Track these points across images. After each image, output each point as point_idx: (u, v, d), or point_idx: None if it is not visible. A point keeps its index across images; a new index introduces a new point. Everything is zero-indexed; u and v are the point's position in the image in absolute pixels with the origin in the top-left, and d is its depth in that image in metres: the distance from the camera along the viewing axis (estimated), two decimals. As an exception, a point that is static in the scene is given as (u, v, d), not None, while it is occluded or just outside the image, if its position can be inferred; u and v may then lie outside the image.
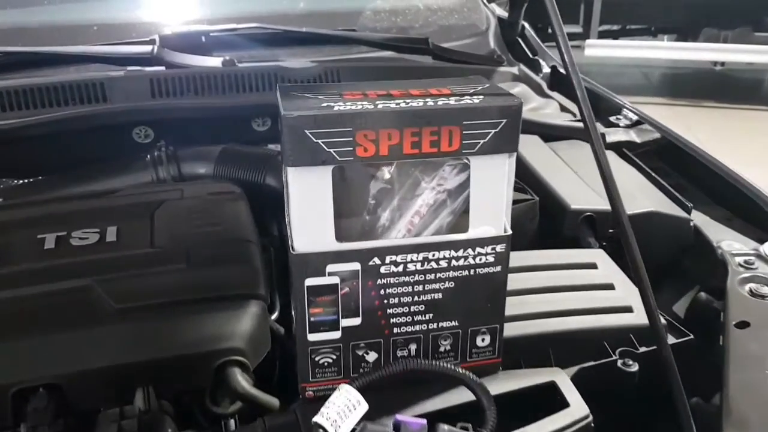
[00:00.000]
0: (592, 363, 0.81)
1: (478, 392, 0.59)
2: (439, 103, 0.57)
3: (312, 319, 0.62)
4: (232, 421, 0.78)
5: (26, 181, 1.12)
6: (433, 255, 0.62)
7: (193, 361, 0.75)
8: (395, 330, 0.64)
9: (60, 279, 0.79)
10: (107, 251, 0.85)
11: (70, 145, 1.17)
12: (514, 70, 1.62)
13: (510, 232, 0.64)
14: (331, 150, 0.55)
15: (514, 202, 1.07)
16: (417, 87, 0.61)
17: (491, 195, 0.62)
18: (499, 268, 0.64)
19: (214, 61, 1.29)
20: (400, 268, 0.62)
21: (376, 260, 0.61)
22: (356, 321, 0.63)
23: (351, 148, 0.56)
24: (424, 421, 0.53)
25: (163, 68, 1.26)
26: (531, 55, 1.69)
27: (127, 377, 0.73)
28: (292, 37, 1.40)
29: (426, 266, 0.62)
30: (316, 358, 0.64)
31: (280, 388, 0.78)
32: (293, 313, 0.62)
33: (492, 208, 0.62)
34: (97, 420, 0.71)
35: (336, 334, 0.63)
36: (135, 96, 1.22)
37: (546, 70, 1.66)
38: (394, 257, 0.61)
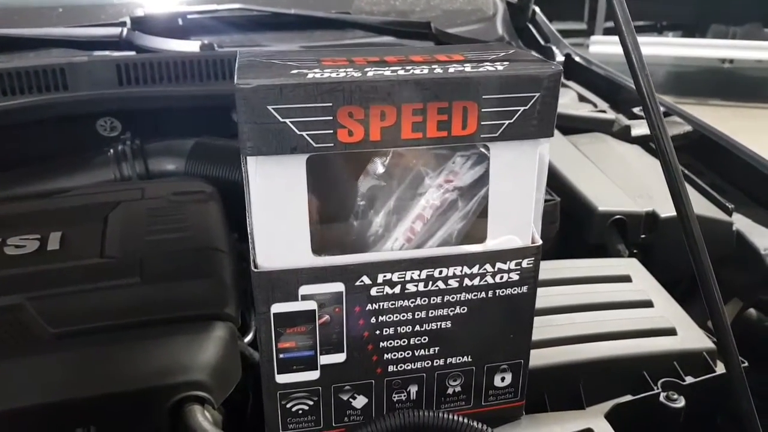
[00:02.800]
0: (629, 398, 0.67)
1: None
2: (450, 70, 0.43)
3: (281, 356, 0.47)
4: None
5: (-30, 179, 0.98)
6: (441, 272, 0.47)
7: (143, 399, 0.61)
8: (390, 368, 0.50)
9: (-16, 297, 0.65)
10: (47, 262, 0.71)
11: (26, 139, 1.03)
12: (525, 58, 1.48)
13: (540, 242, 0.49)
14: (304, 133, 0.41)
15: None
16: (420, 53, 0.47)
17: (517, 194, 0.47)
18: (525, 289, 0.50)
19: (190, 45, 1.16)
20: (397, 290, 0.47)
21: (366, 279, 0.46)
22: (340, 357, 0.48)
23: (331, 131, 0.41)
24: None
25: (133, 53, 1.12)
26: (543, 42, 1.55)
27: (62, 418, 0.60)
28: (280, 21, 1.26)
29: (431, 287, 0.48)
30: (288, 405, 0.49)
31: (255, 425, 0.64)
32: (258, 346, 0.48)
33: (518, 211, 0.48)
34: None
35: (313, 375, 0.48)
36: (100, 83, 1.07)
37: (560, 58, 1.52)
38: (388, 275, 0.46)
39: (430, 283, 0.48)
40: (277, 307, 0.46)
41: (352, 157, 0.48)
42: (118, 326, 0.65)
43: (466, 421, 0.45)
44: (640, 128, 1.20)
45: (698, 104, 4.80)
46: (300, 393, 0.49)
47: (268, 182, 0.43)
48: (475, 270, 0.48)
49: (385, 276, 0.46)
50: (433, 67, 0.43)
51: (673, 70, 5.80)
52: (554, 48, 1.54)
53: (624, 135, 1.17)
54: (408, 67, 0.43)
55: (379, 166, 0.49)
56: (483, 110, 0.43)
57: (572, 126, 1.16)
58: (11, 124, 1.00)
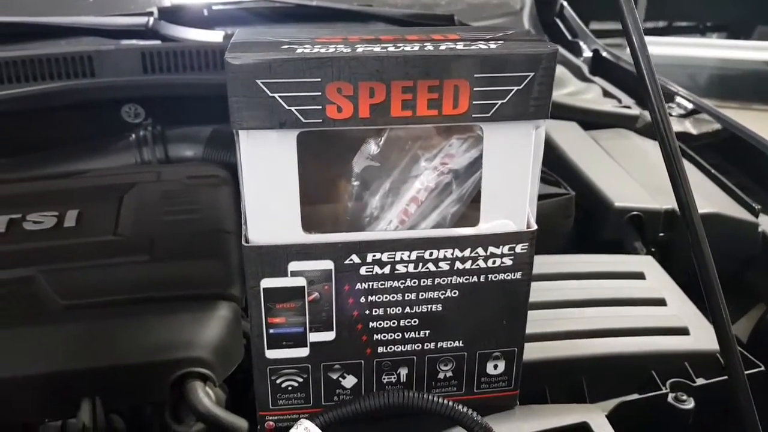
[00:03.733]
0: (636, 396, 0.65)
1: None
2: (442, 48, 0.42)
3: (271, 331, 0.48)
4: None
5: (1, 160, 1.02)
6: (431, 254, 0.47)
7: (146, 372, 0.63)
8: (380, 349, 0.50)
9: (2, 268, 0.68)
10: (62, 238, 0.73)
11: (53, 123, 1.06)
12: (552, 53, 1.46)
13: (535, 227, 0.49)
14: (293, 108, 0.41)
15: (546, 196, 0.92)
16: (419, 33, 0.47)
17: (511, 177, 0.46)
18: (519, 275, 0.49)
19: (214, 36, 1.17)
20: (387, 270, 0.47)
21: (355, 258, 0.46)
22: (329, 336, 0.48)
23: (320, 107, 0.41)
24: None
25: (158, 42, 1.14)
26: (570, 37, 1.53)
27: (69, 387, 0.62)
28: (303, 12, 1.27)
29: (421, 268, 0.47)
30: (278, 381, 0.50)
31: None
32: (249, 322, 0.48)
33: (511, 194, 0.47)
34: (39, 432, 0.60)
35: (303, 352, 0.49)
36: (125, 71, 1.10)
37: (587, 53, 1.50)
38: (378, 255, 0.46)
39: (421, 264, 0.47)
40: (267, 282, 0.46)
41: (346, 136, 0.48)
42: (125, 301, 0.67)
43: (450, 403, 0.45)
44: (666, 125, 1.17)
45: (741, 108, 4.65)
46: (290, 369, 0.49)
47: (259, 157, 0.43)
48: (466, 253, 0.47)
49: (374, 255, 0.46)
50: (425, 45, 0.43)
51: (717, 73, 5.63)
52: (581, 43, 1.52)
53: (648, 131, 1.14)
54: (399, 45, 0.42)
55: (373, 147, 0.49)
56: (475, 89, 0.43)
57: (594, 121, 1.14)
58: (40, 108, 1.04)
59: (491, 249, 0.48)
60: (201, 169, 0.91)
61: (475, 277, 0.48)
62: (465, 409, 0.45)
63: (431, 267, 0.48)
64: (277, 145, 0.43)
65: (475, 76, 0.42)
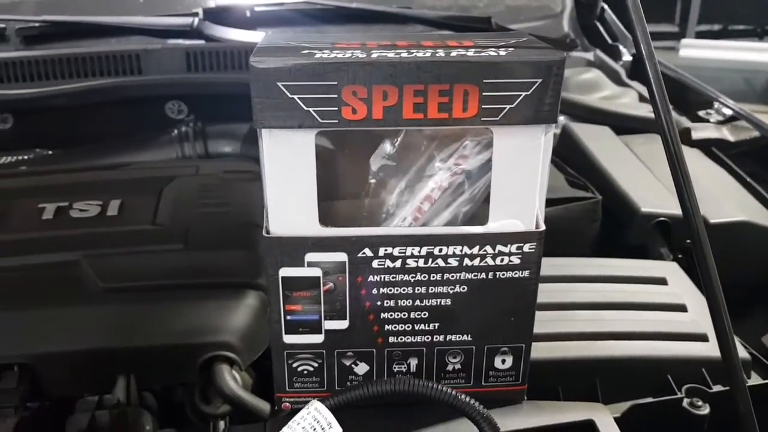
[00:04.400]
0: (650, 400, 0.65)
1: (484, 427, 0.46)
2: (453, 54, 0.44)
3: (288, 317, 0.51)
4: (222, 423, 0.69)
5: (52, 152, 1.08)
6: (440, 250, 0.49)
7: (176, 354, 0.67)
8: (391, 339, 0.52)
9: (49, 251, 0.73)
10: (104, 225, 0.78)
11: (102, 118, 1.12)
12: (589, 55, 1.46)
13: (543, 228, 0.50)
14: (311, 110, 0.44)
15: (572, 200, 0.92)
16: (435, 39, 0.49)
17: (520, 179, 0.48)
18: (526, 273, 0.51)
19: (256, 36, 1.22)
20: (398, 264, 0.49)
21: (368, 252, 0.49)
22: (342, 324, 0.51)
23: (336, 108, 0.44)
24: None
25: (202, 42, 1.20)
26: (610, 41, 1.52)
27: (106, 364, 0.67)
28: (343, 14, 1.30)
29: (431, 264, 0.50)
30: (294, 365, 0.53)
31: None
32: (269, 308, 0.51)
33: (520, 195, 0.49)
34: (75, 407, 0.64)
35: (318, 338, 0.52)
36: (170, 69, 1.16)
37: (627, 57, 1.48)
38: (389, 249, 0.49)
39: (430, 260, 0.50)
40: (285, 272, 0.49)
41: (365, 137, 0.51)
42: (160, 286, 0.71)
43: (453, 392, 0.47)
44: (702, 131, 1.15)
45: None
46: (305, 354, 0.52)
47: (279, 154, 0.46)
48: (475, 251, 0.49)
49: (386, 250, 0.49)
50: (438, 51, 0.45)
51: (776, 79, 5.42)
52: (621, 47, 1.50)
53: (683, 137, 1.13)
54: (413, 51, 0.45)
55: (389, 146, 0.51)
56: (484, 94, 0.45)
57: (628, 126, 1.13)
58: (90, 103, 1.10)
59: (499, 247, 0.50)
60: (237, 165, 0.95)
61: (483, 273, 0.50)
62: (467, 398, 0.47)
63: (441, 263, 0.50)
64: (296, 144, 0.46)
65: (484, 81, 0.44)
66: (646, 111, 1.19)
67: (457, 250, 0.49)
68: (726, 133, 1.16)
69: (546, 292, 0.73)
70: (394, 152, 0.51)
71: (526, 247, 0.50)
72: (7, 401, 0.62)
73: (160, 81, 1.13)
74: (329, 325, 0.51)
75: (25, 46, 1.14)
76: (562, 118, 1.20)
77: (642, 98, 1.27)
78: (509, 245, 0.49)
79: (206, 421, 0.69)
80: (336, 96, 0.44)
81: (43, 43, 1.17)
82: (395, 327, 0.52)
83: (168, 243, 0.76)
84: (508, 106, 0.45)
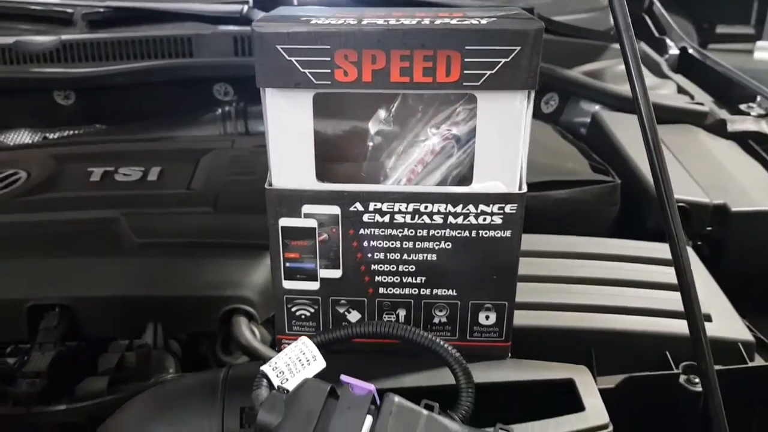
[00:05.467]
0: (646, 374, 0.67)
1: (455, 367, 0.49)
2: (437, 22, 0.48)
3: (287, 264, 0.56)
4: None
5: (108, 127, 1.18)
6: (426, 207, 0.53)
7: (199, 305, 0.73)
8: (381, 290, 0.56)
9: (93, 208, 0.81)
10: (144, 189, 0.86)
11: (155, 96, 1.21)
12: (633, 48, 1.45)
13: (525, 190, 0.53)
14: (307, 71, 0.49)
15: (591, 183, 0.94)
16: (427, 12, 0.53)
17: (502, 142, 0.52)
18: (508, 233, 0.54)
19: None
20: (387, 219, 0.54)
21: (359, 206, 0.53)
22: (336, 273, 0.56)
23: (329, 71, 0.49)
24: (371, 386, 0.45)
25: (249, 28, 1.27)
26: (657, 34, 1.50)
27: (136, 310, 0.73)
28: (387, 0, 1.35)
29: (417, 220, 0.54)
30: (293, 309, 0.58)
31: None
32: (270, 257, 0.57)
33: (503, 158, 0.52)
34: (108, 348, 0.72)
35: (314, 285, 0.56)
36: (219, 53, 1.24)
37: (674, 51, 1.47)
38: (378, 205, 0.53)
39: (417, 216, 0.53)
40: (284, 221, 0.54)
41: (365, 103, 0.55)
42: (188, 244, 0.78)
43: (429, 335, 0.51)
44: (740, 124, 1.13)
45: None
46: (302, 300, 0.57)
47: (280, 113, 0.51)
48: (458, 209, 0.53)
49: (375, 205, 0.53)
50: (424, 20, 0.49)
51: None
52: (668, 40, 1.48)
53: (718, 129, 1.11)
54: (402, 20, 0.49)
55: (387, 112, 0.55)
56: (466, 60, 0.48)
57: (661, 116, 1.12)
58: (144, 82, 1.19)
59: (482, 207, 0.53)
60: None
61: (466, 232, 0.54)
62: (441, 342, 0.50)
63: (426, 219, 0.54)
64: (295, 104, 0.51)
65: (466, 48, 0.48)
66: (683, 102, 1.18)
67: (442, 207, 0.53)
68: (765, 127, 1.14)
69: (553, 266, 0.76)
70: (390, 117, 0.56)
71: (508, 208, 0.53)
72: (48, 337, 0.70)
73: (208, 63, 1.21)
74: (324, 273, 0.56)
75: (89, 29, 1.24)
76: (597, 107, 1.21)
77: (681, 90, 1.25)
78: (491, 205, 0.53)
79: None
80: (329, 59, 0.48)
81: (106, 27, 1.27)
82: (385, 279, 0.56)
83: (199, 206, 0.83)
84: (489, 72, 0.48)
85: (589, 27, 1.50)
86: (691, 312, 0.50)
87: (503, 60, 0.48)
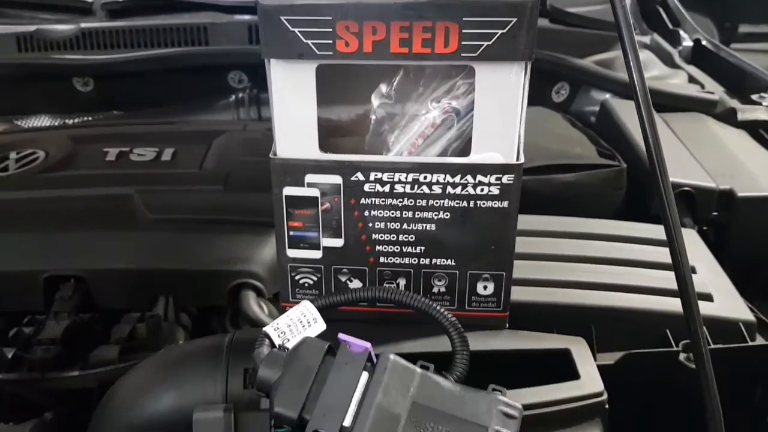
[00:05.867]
0: (645, 351, 0.67)
1: (450, 330, 0.51)
2: (435, -6, 0.50)
3: (291, 233, 0.58)
4: None
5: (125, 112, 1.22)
6: (425, 178, 0.55)
7: (208, 278, 0.76)
8: (381, 260, 0.58)
9: (108, 185, 0.84)
10: (157, 168, 0.89)
11: (171, 83, 1.24)
12: (646, 39, 1.45)
13: (522, 161, 0.54)
14: (309, 42, 0.51)
15: (597, 167, 0.94)
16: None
17: (500, 113, 0.53)
18: (506, 204, 0.55)
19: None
20: (387, 189, 0.55)
21: (359, 176, 0.55)
22: (338, 242, 0.58)
23: (331, 41, 0.50)
24: (368, 344, 0.46)
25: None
26: (671, 26, 1.50)
27: (148, 283, 0.76)
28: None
29: (416, 190, 0.55)
30: (296, 277, 0.59)
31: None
32: (275, 226, 0.58)
33: (500, 129, 0.53)
34: (121, 320, 0.74)
35: (317, 254, 0.58)
36: (234, 41, 1.26)
37: (687, 43, 1.46)
38: (378, 174, 0.55)
39: (416, 186, 0.55)
40: (288, 191, 0.56)
41: (370, 79, 0.57)
42: (199, 220, 0.81)
43: (426, 300, 0.52)
44: (750, 113, 1.13)
45: None
46: (306, 268, 0.59)
47: (284, 84, 0.53)
48: (456, 179, 0.54)
49: (376, 175, 0.55)
50: (423, -7, 0.50)
51: None
52: (681, 32, 1.48)
53: (728, 118, 1.11)
54: (402, -7, 0.50)
55: (389, 86, 0.57)
56: (464, 31, 0.49)
57: (671, 104, 1.13)
58: (161, 69, 1.22)
59: (479, 177, 0.54)
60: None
61: (464, 202, 0.55)
62: (438, 307, 0.52)
63: (425, 189, 0.55)
64: (298, 74, 0.52)
65: (464, 19, 0.49)
66: (693, 91, 1.18)
67: (441, 178, 0.54)
68: (775, 116, 1.13)
69: (556, 245, 0.77)
70: (392, 92, 0.57)
71: (505, 179, 0.54)
72: (63, 307, 0.73)
73: (223, 51, 1.24)
74: (326, 242, 0.58)
75: (108, 18, 1.28)
76: (607, 96, 1.22)
77: (692, 80, 1.25)
78: (489, 176, 0.54)
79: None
80: (331, 30, 0.50)
81: (125, 16, 1.31)
82: (385, 248, 0.58)
83: (210, 184, 0.85)
84: (486, 43, 0.50)
85: (604, 18, 1.50)
86: (684, 290, 0.51)
87: (500, 31, 0.49)
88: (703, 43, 1.44)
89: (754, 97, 1.20)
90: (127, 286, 0.76)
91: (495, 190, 0.55)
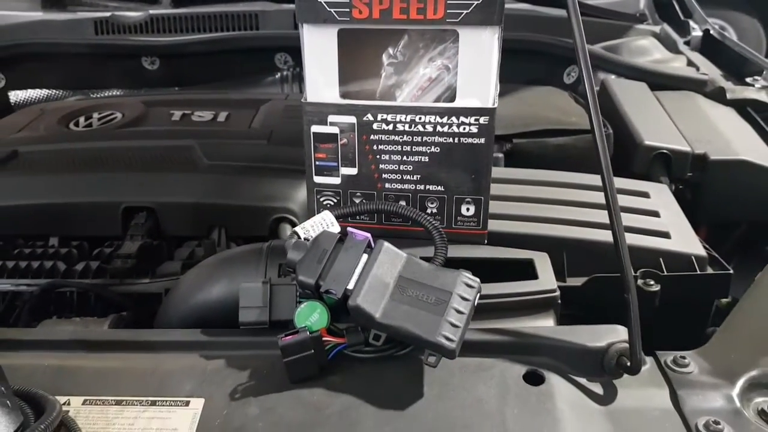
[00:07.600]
0: (608, 275, 0.81)
1: (431, 229, 0.66)
2: (427, -25, 0.66)
3: (317, 163, 0.74)
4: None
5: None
6: (420, 118, 0.70)
7: (253, 212, 0.93)
8: (387, 185, 0.74)
9: (173, 138, 1.03)
10: (213, 126, 1.07)
11: (226, 63, 1.43)
12: (656, 29, 1.57)
13: (495, 106, 0.70)
14: (332, 10, 0.67)
15: (587, 131, 1.08)
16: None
17: (478, 68, 0.68)
18: (482, 140, 0.71)
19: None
20: (390, 127, 0.71)
21: (369, 117, 0.71)
22: (353, 171, 0.74)
23: (348, 10, 0.67)
24: (368, 234, 0.63)
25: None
26: (682, 17, 1.61)
27: (204, 215, 0.93)
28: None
29: (413, 128, 0.71)
30: (321, 199, 0.76)
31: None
32: (305, 158, 0.75)
33: (479, 81, 0.69)
34: (183, 245, 0.92)
35: (336, 180, 0.75)
36: (281, 27, 1.45)
37: (697, 33, 1.58)
38: (384, 115, 0.71)
39: (413, 125, 0.71)
40: (315, 128, 0.73)
41: (382, 42, 0.73)
42: (247, 167, 0.98)
43: (418, 210, 0.68)
44: (739, 93, 1.24)
45: None
46: (328, 191, 0.76)
47: (313, 43, 0.70)
48: (444, 120, 0.70)
49: (382, 116, 0.71)
50: (419, -27, 0.66)
51: None
52: (691, 23, 1.59)
53: (718, 96, 1.23)
54: (403, -27, 0.66)
55: (395, 48, 0.73)
56: (449, 2, 0.65)
57: (665, 83, 1.25)
58: (218, 50, 1.42)
59: (462, 119, 0.70)
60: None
61: (450, 138, 0.71)
62: (424, 214, 0.68)
63: (420, 128, 0.71)
64: (323, 35, 0.69)
65: (449, -9, 0.65)
66: (686, 72, 1.30)
67: (432, 119, 0.70)
68: (765, 96, 1.24)
69: (541, 191, 0.91)
70: (398, 53, 0.73)
71: (482, 119, 0.70)
72: (137, 231, 0.91)
73: (271, 35, 1.43)
74: (344, 171, 0.74)
75: (173, 6, 1.48)
76: (612, 77, 1.34)
77: (690, 63, 1.37)
78: (469, 117, 0.70)
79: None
80: (348, 0, 0.67)
81: (187, 4, 1.51)
82: (390, 176, 0.74)
83: (256, 139, 1.03)
84: (465, 11, 0.65)
85: (620, 10, 1.63)
86: (613, 223, 0.62)
87: (476, 2, 0.65)
88: (711, 32, 1.55)
89: (748, 79, 1.32)
90: (188, 217, 0.94)
91: (474, 129, 0.70)
